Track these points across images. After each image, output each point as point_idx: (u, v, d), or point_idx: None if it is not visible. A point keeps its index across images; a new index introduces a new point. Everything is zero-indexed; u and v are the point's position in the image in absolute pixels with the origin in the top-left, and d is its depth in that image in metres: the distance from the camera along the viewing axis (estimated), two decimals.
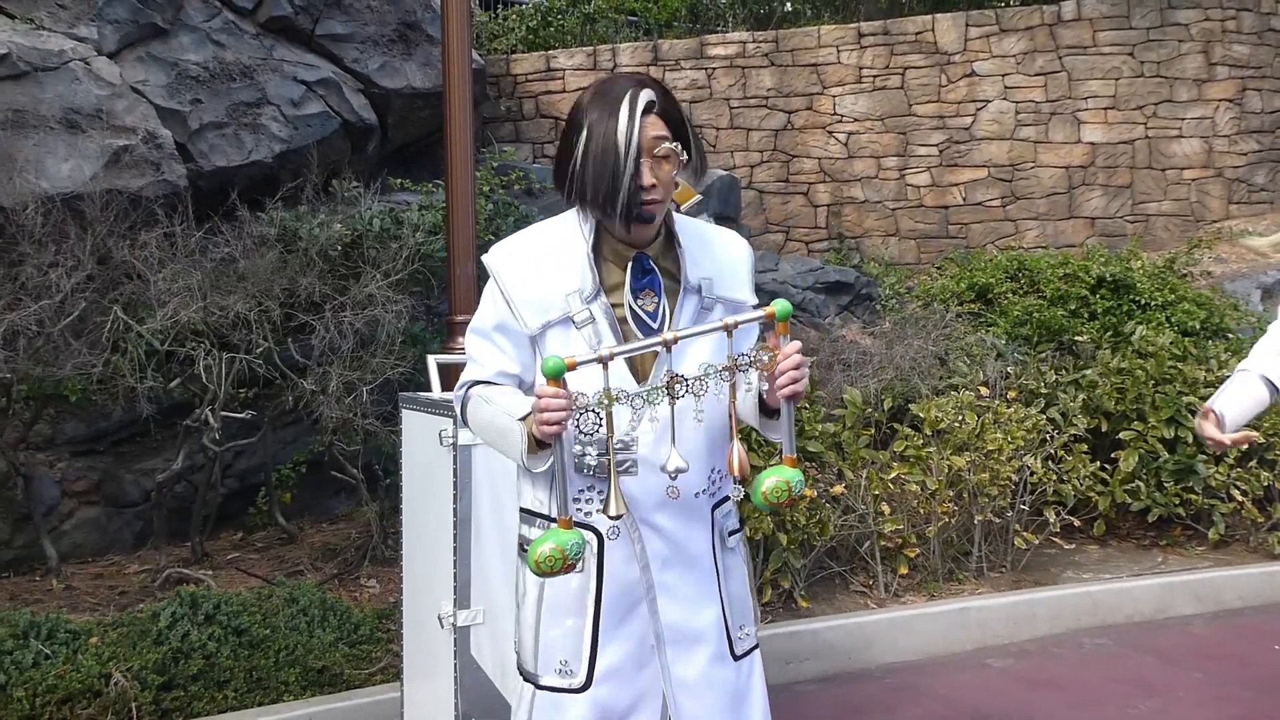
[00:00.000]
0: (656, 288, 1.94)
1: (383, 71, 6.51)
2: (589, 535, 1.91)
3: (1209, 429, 2.74)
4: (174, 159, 5.29)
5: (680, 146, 1.96)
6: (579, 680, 1.94)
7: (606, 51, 9.50)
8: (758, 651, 2.08)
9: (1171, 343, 5.79)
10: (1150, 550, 5.44)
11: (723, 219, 7.08)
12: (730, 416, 1.86)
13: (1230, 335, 6.65)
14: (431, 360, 3.29)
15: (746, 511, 4.15)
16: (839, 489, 4.57)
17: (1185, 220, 9.34)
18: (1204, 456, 5.24)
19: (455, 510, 2.73)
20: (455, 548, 2.74)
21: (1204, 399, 5.31)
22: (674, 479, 1.86)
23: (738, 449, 1.85)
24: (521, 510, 2.04)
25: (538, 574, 1.77)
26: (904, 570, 4.74)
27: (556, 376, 1.72)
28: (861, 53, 9.55)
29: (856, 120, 9.53)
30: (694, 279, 1.97)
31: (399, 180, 6.29)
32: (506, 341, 1.95)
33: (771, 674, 3.98)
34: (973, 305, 7.19)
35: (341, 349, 4.55)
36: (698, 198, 4.22)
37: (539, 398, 1.74)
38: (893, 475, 4.68)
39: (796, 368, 1.79)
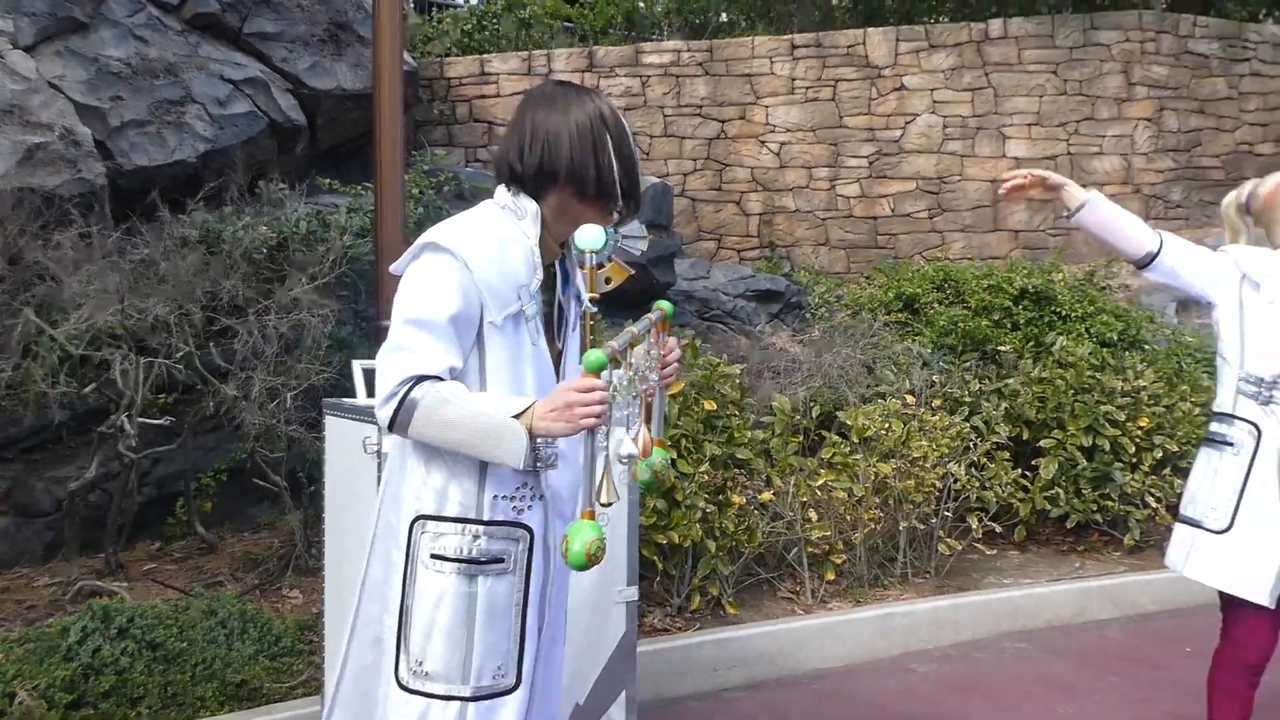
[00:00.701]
0: (568, 289, 2.10)
1: (312, 72, 6.41)
2: (521, 533, 1.93)
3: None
4: (92, 157, 5.14)
5: None
6: (510, 681, 1.94)
7: (541, 57, 9.48)
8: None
9: (1090, 353, 5.94)
10: (1069, 556, 5.57)
11: (654, 227, 7.10)
12: (640, 406, 1.98)
13: (1146, 347, 6.85)
14: (357, 365, 3.23)
15: (674, 519, 4.16)
16: (767, 496, 4.60)
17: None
18: (1120, 464, 5.38)
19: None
20: None
21: (1121, 408, 5.49)
22: (626, 465, 1.92)
23: (644, 432, 1.95)
24: (432, 517, 1.93)
25: (583, 567, 1.75)
26: (831, 576, 4.78)
27: (599, 370, 1.75)
28: (794, 64, 9.66)
29: (789, 130, 9.63)
30: (575, 282, 2.12)
31: (327, 182, 6.20)
32: (457, 334, 1.88)
33: (699, 681, 4.01)
34: (900, 315, 7.30)
35: (265, 354, 4.45)
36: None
37: (578, 390, 1.77)
38: (820, 482, 4.72)
39: (678, 362, 2.08)
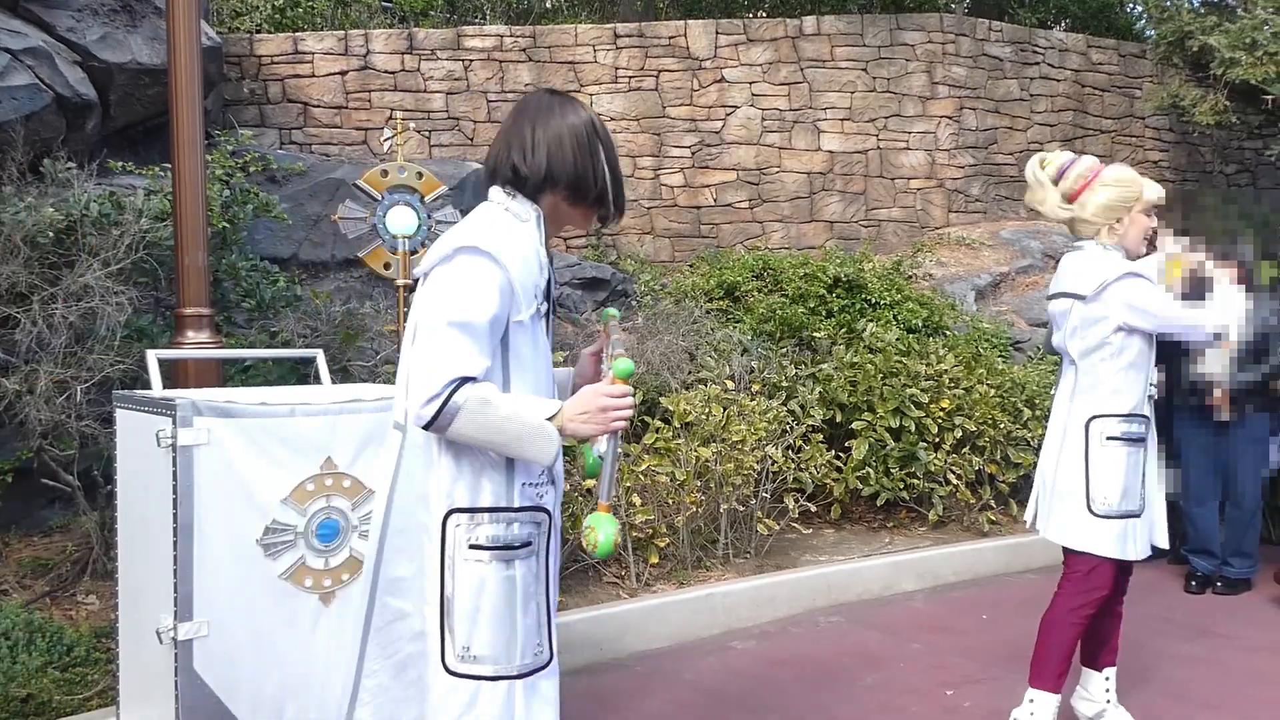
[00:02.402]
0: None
1: (103, 44, 5.98)
2: (543, 517, 2.10)
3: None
4: None
5: None
6: (546, 656, 2.11)
7: (359, 37, 9.18)
8: None
9: (898, 339, 6.24)
10: (879, 532, 5.84)
11: None
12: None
13: (948, 333, 7.24)
14: (151, 356, 3.05)
15: None
16: (591, 482, 4.61)
17: (911, 226, 10.11)
18: (924, 444, 5.68)
19: (176, 516, 2.54)
20: (175, 556, 2.55)
21: (925, 390, 5.78)
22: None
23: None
24: (472, 510, 2.02)
25: (608, 554, 1.98)
26: (654, 560, 4.85)
27: (628, 377, 1.98)
28: (618, 53, 9.71)
29: (613, 119, 9.68)
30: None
31: (121, 163, 5.81)
32: (492, 336, 1.99)
33: None
34: (721, 303, 7.47)
35: (53, 344, 4.14)
36: (442, 188, 4.15)
37: (611, 396, 1.97)
38: (644, 467, 4.78)
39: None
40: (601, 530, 1.93)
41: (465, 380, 1.93)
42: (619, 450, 2.06)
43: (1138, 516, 3.25)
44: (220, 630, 2.60)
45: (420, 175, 4.13)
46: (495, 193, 2.11)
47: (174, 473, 2.53)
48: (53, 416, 4.10)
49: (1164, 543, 3.36)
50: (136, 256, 4.57)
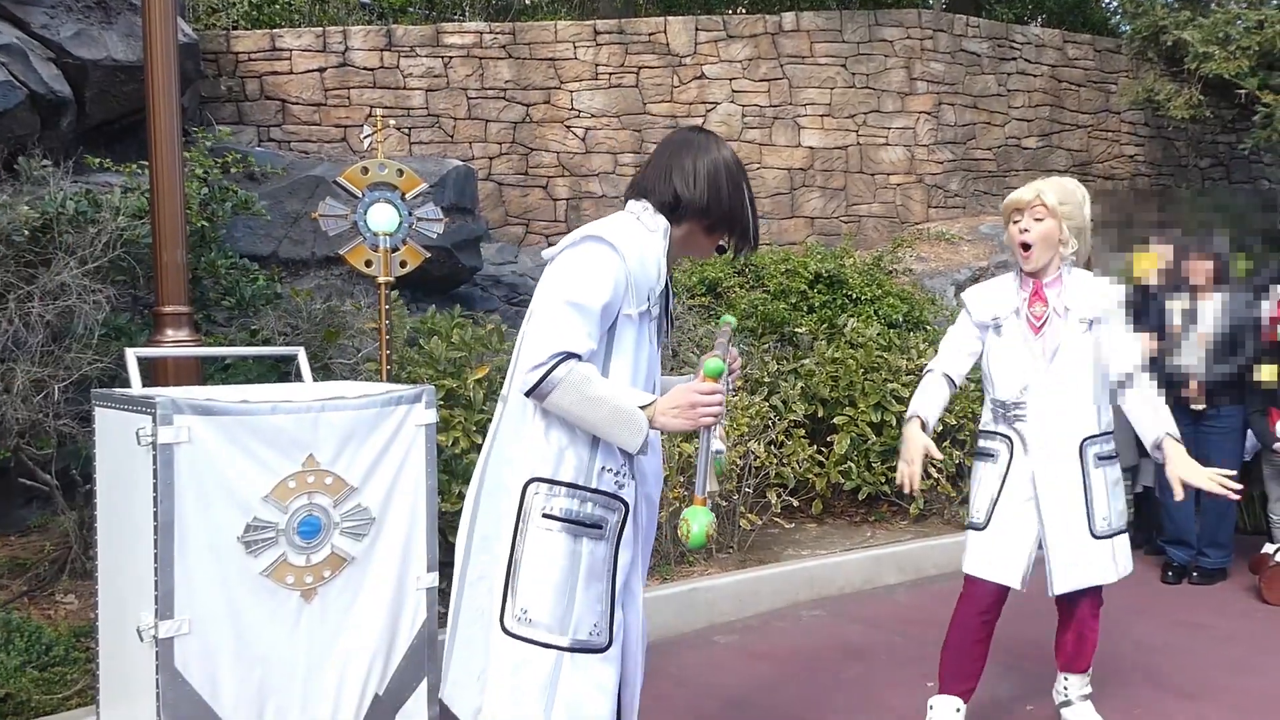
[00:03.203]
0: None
1: (78, 40, 5.93)
2: (618, 505, 2.18)
3: (911, 475, 3.21)
4: None
5: None
6: (603, 640, 2.16)
7: (337, 34, 9.14)
8: None
9: (879, 334, 6.27)
10: (861, 526, 5.87)
11: (458, 211, 6.98)
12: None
13: (928, 327, 7.28)
14: (130, 354, 3.03)
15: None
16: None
17: (892, 221, 10.15)
18: None
19: (156, 514, 2.53)
20: (156, 554, 2.53)
21: (906, 385, 5.81)
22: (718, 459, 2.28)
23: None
24: (555, 483, 2.15)
25: (703, 547, 2.16)
26: None
27: (718, 376, 2.06)
28: (597, 50, 9.70)
29: (594, 116, 9.67)
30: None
31: (98, 160, 5.76)
32: (601, 321, 2.13)
33: None
34: (704, 299, 7.48)
35: (30, 343, 4.11)
36: (423, 185, 4.14)
37: (702, 394, 2.06)
38: None
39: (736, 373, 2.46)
40: (695, 522, 2.01)
41: (570, 355, 2.07)
42: (715, 447, 2.17)
43: (978, 530, 3.30)
44: (201, 628, 2.58)
45: (401, 172, 4.12)
46: (633, 205, 2.29)
47: (154, 470, 2.52)
48: (30, 415, 4.07)
49: (1012, 582, 3.23)
50: (114, 254, 4.54)
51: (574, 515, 2.14)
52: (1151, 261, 5.38)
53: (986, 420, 3.37)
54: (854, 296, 7.29)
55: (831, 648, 4.36)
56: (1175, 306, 5.25)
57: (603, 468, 2.16)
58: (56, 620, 3.96)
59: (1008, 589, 3.27)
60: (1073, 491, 3.20)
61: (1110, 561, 3.25)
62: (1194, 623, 4.70)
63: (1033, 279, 3.25)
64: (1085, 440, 3.22)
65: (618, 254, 2.13)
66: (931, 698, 3.39)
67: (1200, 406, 5.17)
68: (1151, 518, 5.82)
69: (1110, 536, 3.25)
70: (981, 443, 3.37)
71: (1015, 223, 3.23)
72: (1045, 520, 3.20)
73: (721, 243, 2.35)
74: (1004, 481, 3.26)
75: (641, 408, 2.08)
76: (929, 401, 3.31)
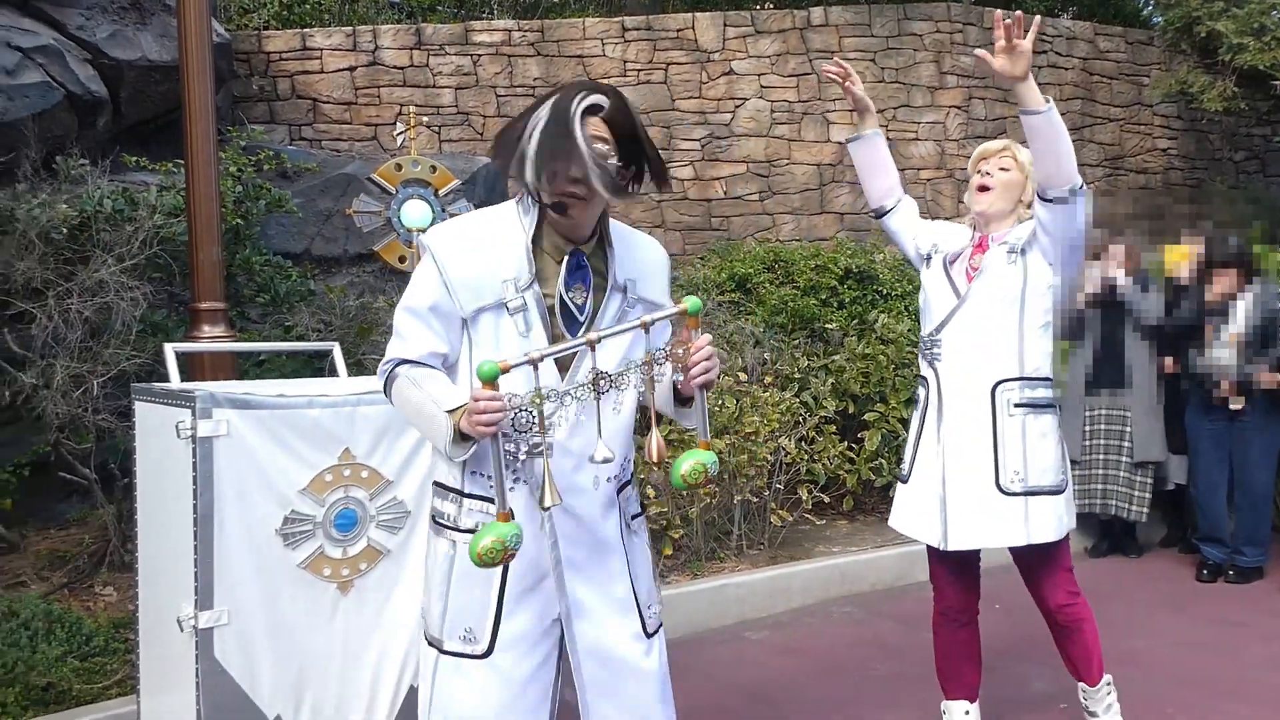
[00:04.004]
0: (587, 283, 2.06)
1: (113, 41, 6.00)
2: (493, 509, 2.00)
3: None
4: None
5: (616, 157, 1.98)
6: (481, 647, 2.04)
7: (367, 33, 9.19)
8: (662, 630, 2.22)
9: (910, 329, 6.23)
10: None
11: (488, 206, 7.00)
12: (650, 407, 2.06)
13: None
14: (169, 349, 3.07)
15: None
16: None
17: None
18: None
19: (196, 506, 2.56)
20: (196, 546, 2.57)
21: None
22: (600, 465, 2.01)
23: (656, 437, 1.94)
24: (435, 484, 2.13)
25: (479, 565, 1.86)
26: (669, 551, 4.86)
27: (491, 380, 1.83)
28: (626, 46, 9.70)
29: None
30: (620, 278, 2.10)
31: (135, 159, 5.83)
32: (438, 322, 2.02)
33: None
34: (733, 295, 7.46)
35: (68, 339, 4.17)
36: (455, 182, 4.16)
37: (475, 400, 1.84)
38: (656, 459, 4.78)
39: (708, 359, 1.96)
40: (482, 539, 1.84)
41: (402, 361, 2.03)
42: (548, 455, 1.91)
43: (903, 483, 3.11)
44: (240, 619, 2.62)
45: (434, 169, 4.15)
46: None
47: (194, 463, 2.55)
48: (69, 410, 4.14)
49: (930, 539, 3.00)
50: (150, 252, 4.60)
51: (448, 519, 2.07)
52: (1183, 255, 5.33)
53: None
54: (884, 292, 7.25)
55: (862, 644, 4.34)
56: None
57: (472, 471, 2.04)
58: (96, 612, 4.02)
59: (968, 584, 3.13)
60: (979, 439, 2.87)
61: (1021, 524, 2.87)
62: (1231, 621, 4.64)
63: (982, 234, 3.03)
64: (999, 383, 2.86)
65: (428, 251, 2.04)
66: (942, 703, 3.30)
67: (1238, 406, 5.11)
68: (1185, 516, 5.76)
69: (1024, 495, 2.87)
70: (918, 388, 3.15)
71: (979, 172, 3.08)
72: (946, 468, 2.91)
73: (574, 190, 1.95)
74: (921, 427, 3.01)
75: (451, 410, 1.93)
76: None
